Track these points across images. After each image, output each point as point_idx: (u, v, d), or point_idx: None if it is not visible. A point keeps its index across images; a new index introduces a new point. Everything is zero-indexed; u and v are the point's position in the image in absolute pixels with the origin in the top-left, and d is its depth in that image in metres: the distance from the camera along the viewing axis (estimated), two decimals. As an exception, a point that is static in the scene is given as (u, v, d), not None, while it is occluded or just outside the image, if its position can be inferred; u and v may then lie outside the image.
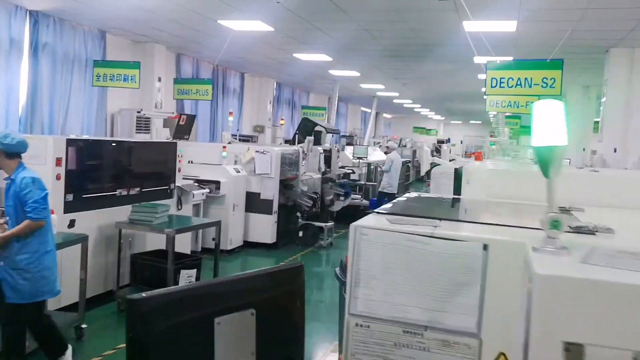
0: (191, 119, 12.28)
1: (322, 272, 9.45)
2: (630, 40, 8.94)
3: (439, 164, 9.75)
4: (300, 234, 10.90)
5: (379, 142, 24.56)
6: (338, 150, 14.05)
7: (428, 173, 20.50)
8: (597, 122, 17.21)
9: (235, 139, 12.31)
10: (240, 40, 10.77)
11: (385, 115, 34.24)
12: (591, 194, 2.96)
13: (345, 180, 13.87)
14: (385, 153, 15.46)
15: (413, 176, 25.77)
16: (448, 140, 36.93)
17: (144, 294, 1.47)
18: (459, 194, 3.70)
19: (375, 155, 19.10)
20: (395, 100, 23.88)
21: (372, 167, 17.53)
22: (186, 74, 13.48)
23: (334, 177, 13.43)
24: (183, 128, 11.54)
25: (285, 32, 10.19)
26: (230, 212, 9.57)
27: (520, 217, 2.58)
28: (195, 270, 6.64)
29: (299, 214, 11.07)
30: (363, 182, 15.56)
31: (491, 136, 34.16)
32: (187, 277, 6.44)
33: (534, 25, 8.15)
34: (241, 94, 16.68)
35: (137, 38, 11.52)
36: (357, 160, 16.80)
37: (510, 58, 9.78)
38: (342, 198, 12.37)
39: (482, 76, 13.98)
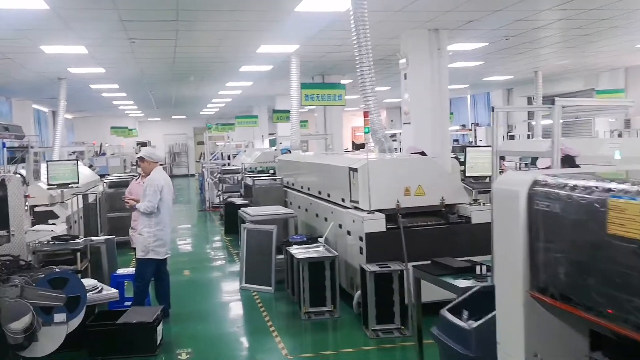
0: None
1: None
2: None
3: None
4: None
5: (74, 153, 15.84)
6: (25, 183, 5.67)
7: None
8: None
9: None
10: None
11: (67, 116, 23.72)
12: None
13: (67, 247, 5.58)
14: (138, 175, 7.55)
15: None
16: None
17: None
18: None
19: (89, 176, 10.90)
20: (94, 86, 15.24)
21: (90, 201, 9.30)
22: None
23: (19, 251, 5.22)
24: None
25: None
26: None
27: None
28: None
29: None
30: (83, 242, 7.21)
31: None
32: None
33: None
34: None
35: None
36: (60, 191, 8.50)
37: None
38: (61, 317, 4.38)
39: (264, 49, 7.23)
